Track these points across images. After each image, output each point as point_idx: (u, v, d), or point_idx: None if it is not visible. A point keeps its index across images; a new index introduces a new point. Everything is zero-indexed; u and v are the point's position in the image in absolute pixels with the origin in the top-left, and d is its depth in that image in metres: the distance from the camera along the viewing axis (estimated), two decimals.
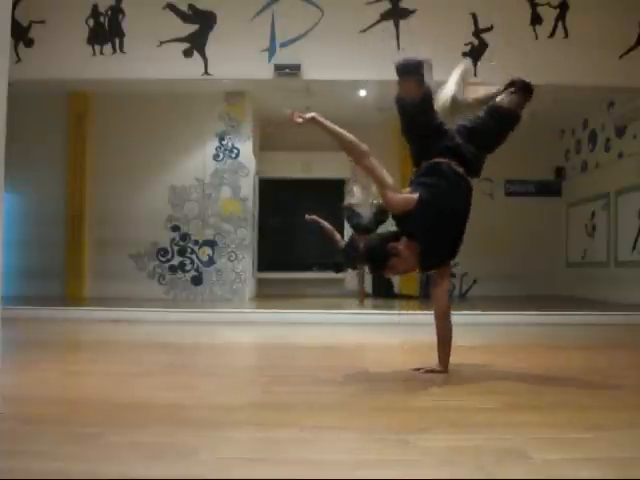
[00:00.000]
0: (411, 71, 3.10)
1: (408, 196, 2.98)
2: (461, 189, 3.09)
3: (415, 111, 3.12)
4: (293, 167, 10.88)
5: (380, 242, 3.08)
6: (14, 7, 6.90)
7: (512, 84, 3.19)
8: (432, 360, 3.32)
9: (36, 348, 4.27)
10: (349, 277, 10.95)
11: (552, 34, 8.04)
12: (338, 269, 8.68)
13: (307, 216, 8.00)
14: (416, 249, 3.01)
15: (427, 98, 3.09)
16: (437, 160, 3.05)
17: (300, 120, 2.98)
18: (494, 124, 3.14)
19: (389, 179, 3.00)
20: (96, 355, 4.14)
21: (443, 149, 3.07)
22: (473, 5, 8.05)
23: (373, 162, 2.99)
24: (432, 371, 3.15)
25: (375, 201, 8.24)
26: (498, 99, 3.19)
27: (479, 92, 3.31)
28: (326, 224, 8.09)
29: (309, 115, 2.97)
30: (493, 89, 3.25)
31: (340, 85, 8.55)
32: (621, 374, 3.39)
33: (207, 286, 9.11)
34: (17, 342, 4.24)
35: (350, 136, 3.00)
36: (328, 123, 2.97)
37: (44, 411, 2.34)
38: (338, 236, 8.08)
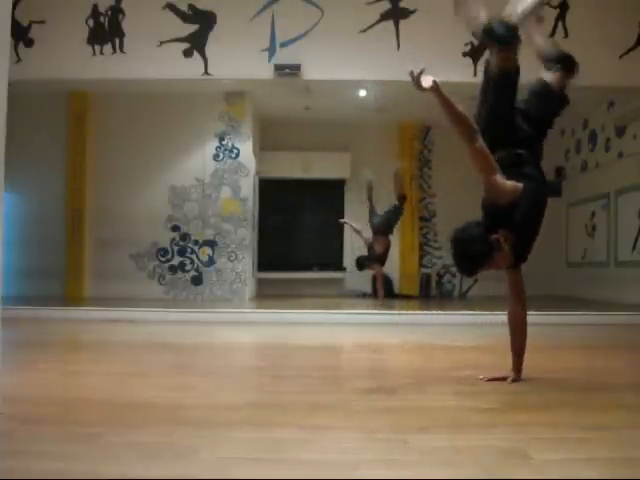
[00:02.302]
0: (514, 39, 2.85)
1: (516, 185, 2.79)
2: (544, 183, 3.00)
3: (513, 83, 2.89)
4: (293, 167, 10.88)
5: (479, 233, 2.76)
6: (14, 7, 6.90)
7: (559, 60, 3.11)
8: (434, 360, 3.31)
9: (36, 348, 4.27)
10: (349, 277, 10.97)
11: (552, 34, 8.02)
12: (361, 267, 8.76)
13: (340, 220, 8.30)
14: (512, 242, 2.81)
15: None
16: (523, 152, 2.93)
17: (426, 86, 2.67)
18: (545, 107, 3.02)
19: (496, 164, 2.79)
20: (96, 355, 4.14)
21: (521, 139, 2.93)
22: None
23: (483, 144, 2.74)
24: (500, 379, 2.96)
25: (398, 203, 8.35)
26: (547, 79, 3.06)
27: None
28: (354, 225, 8.44)
29: (431, 81, 2.67)
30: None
31: (340, 85, 8.55)
32: (621, 374, 3.39)
33: (207, 286, 9.10)
34: (17, 342, 4.23)
35: (463, 112, 2.73)
36: (445, 95, 2.70)
37: (44, 411, 2.34)
38: (365, 235, 8.29)
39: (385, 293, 9.66)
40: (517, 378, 2.95)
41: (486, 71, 2.97)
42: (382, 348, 4.68)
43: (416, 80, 2.68)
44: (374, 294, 10.24)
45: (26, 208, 8.76)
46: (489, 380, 2.95)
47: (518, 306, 2.98)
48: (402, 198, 8.49)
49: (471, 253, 2.79)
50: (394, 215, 8.24)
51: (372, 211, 8.43)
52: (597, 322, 6.33)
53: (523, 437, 1.98)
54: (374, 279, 10.26)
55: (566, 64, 3.13)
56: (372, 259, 8.15)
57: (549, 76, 3.10)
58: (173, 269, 9.15)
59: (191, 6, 8.12)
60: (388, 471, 1.68)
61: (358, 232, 8.59)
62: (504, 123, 2.94)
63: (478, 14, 2.96)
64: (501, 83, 2.89)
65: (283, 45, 8.02)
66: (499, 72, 2.87)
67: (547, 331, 5.79)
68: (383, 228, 8.03)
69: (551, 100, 3.06)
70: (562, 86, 3.09)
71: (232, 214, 9.08)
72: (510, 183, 2.79)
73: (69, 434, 1.98)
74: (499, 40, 2.84)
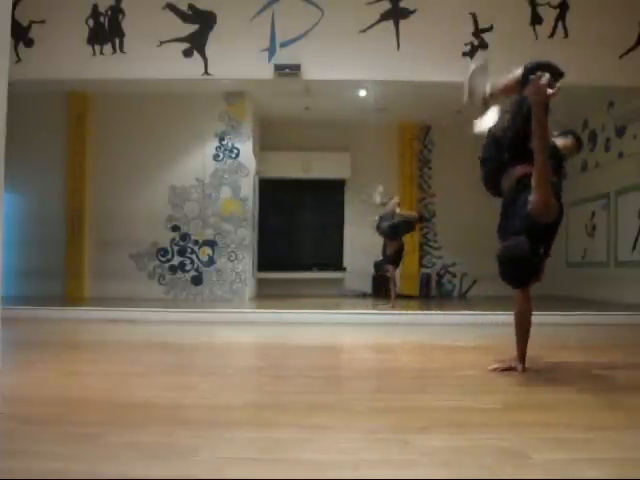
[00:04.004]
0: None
1: (556, 204, 2.99)
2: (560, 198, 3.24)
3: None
4: (293, 167, 10.89)
5: (532, 249, 2.94)
6: (14, 7, 6.91)
7: (571, 133, 3.54)
8: (434, 360, 3.31)
9: (36, 348, 4.27)
10: (349, 277, 10.97)
11: (552, 34, 8.03)
12: (377, 269, 8.76)
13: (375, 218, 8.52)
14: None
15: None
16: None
17: (550, 93, 2.74)
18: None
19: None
20: (96, 355, 4.14)
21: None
22: (473, 5, 8.04)
23: (547, 159, 2.91)
24: (509, 369, 3.15)
25: (414, 220, 8.32)
26: (557, 142, 3.39)
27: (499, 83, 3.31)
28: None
29: (551, 93, 2.75)
30: (510, 77, 3.19)
31: (340, 85, 8.56)
32: (621, 374, 3.39)
33: (207, 286, 9.11)
34: (17, 342, 4.24)
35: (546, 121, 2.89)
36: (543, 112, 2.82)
37: (44, 411, 2.34)
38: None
39: (385, 293, 9.67)
40: (524, 367, 3.12)
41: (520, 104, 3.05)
42: (382, 348, 4.68)
43: (540, 86, 2.75)
44: (374, 294, 10.26)
45: (26, 208, 8.77)
46: (502, 371, 3.11)
47: (528, 301, 3.18)
48: (420, 219, 8.47)
49: (532, 268, 2.99)
50: (404, 227, 8.16)
51: (384, 217, 8.35)
52: (597, 322, 6.33)
53: (523, 437, 1.98)
54: (374, 279, 10.28)
55: (577, 138, 3.55)
56: (386, 261, 8.15)
57: (560, 141, 3.45)
58: (173, 269, 9.15)
59: (191, 6, 8.12)
60: (388, 471, 1.67)
61: None
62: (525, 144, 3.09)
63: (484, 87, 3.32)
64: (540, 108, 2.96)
65: (283, 45, 8.02)
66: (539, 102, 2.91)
67: (547, 331, 5.79)
68: (389, 234, 7.98)
69: (556, 158, 3.32)
70: (570, 150, 3.50)
71: (232, 214, 9.08)
72: (554, 201, 2.97)
73: (69, 434, 1.98)
74: (555, 71, 2.98)
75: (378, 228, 8.14)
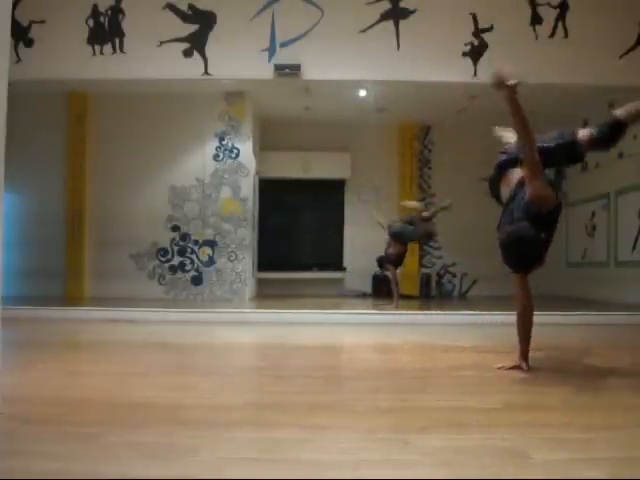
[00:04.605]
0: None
1: (553, 193, 3.12)
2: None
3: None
4: (293, 167, 10.88)
5: (537, 233, 3.02)
6: (14, 7, 6.90)
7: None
8: (435, 360, 3.31)
9: (36, 348, 4.27)
10: (349, 277, 10.97)
11: (552, 34, 8.03)
12: (380, 267, 8.78)
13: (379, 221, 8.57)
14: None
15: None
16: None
17: (510, 84, 2.88)
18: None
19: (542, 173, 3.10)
20: (96, 355, 4.14)
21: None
22: (473, 5, 8.04)
23: (536, 155, 3.04)
24: (514, 367, 3.23)
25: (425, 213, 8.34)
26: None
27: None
28: (382, 221, 8.48)
29: (512, 83, 2.88)
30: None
31: (340, 85, 8.55)
32: (621, 374, 3.39)
33: (207, 286, 9.10)
34: (17, 342, 4.23)
35: (526, 120, 2.99)
36: (519, 103, 2.93)
37: (44, 411, 2.34)
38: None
39: (385, 293, 9.66)
40: (528, 365, 3.22)
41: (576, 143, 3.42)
42: (382, 348, 4.68)
43: (498, 77, 2.88)
44: (374, 294, 10.25)
45: (26, 208, 8.76)
46: (508, 369, 3.19)
47: (529, 299, 3.28)
48: (426, 235, 8.49)
49: (538, 251, 3.05)
50: (408, 234, 8.21)
51: (402, 219, 8.41)
52: (597, 322, 6.32)
53: (523, 437, 1.98)
54: (374, 279, 10.28)
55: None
56: (387, 260, 8.17)
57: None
58: (173, 269, 9.15)
59: (191, 6, 8.11)
60: (388, 471, 1.68)
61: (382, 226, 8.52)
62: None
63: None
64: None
65: (283, 45, 8.02)
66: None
67: (547, 331, 5.78)
68: (396, 236, 8.05)
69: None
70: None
71: (232, 214, 9.08)
72: (551, 191, 3.10)
73: (69, 434, 1.98)
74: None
75: (390, 228, 8.19)
